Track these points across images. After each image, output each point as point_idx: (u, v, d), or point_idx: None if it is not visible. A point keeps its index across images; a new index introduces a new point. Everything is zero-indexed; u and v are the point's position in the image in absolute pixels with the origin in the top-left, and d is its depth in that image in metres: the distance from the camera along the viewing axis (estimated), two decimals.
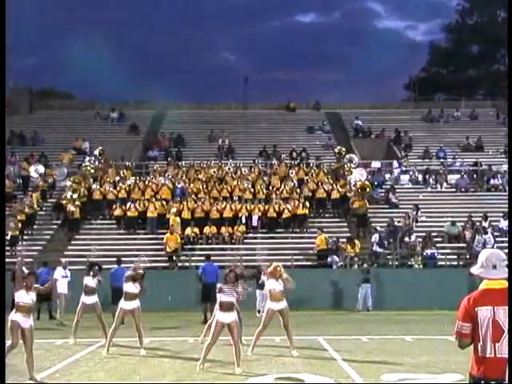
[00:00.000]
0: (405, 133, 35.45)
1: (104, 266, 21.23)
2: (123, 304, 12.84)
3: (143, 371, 10.79)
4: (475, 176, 31.08)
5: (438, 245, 25.22)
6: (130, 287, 12.85)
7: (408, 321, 18.89)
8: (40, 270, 19.12)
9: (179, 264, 24.68)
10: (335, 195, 27.89)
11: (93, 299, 14.22)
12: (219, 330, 10.77)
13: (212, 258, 24.80)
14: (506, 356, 4.62)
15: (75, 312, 14.36)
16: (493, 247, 23.15)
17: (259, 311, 19.35)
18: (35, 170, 29.82)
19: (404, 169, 31.71)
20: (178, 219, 25.56)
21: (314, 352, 12.69)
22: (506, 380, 4.60)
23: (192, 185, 28.72)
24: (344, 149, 32.41)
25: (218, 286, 11.21)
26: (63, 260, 20.21)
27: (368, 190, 27.38)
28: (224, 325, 10.72)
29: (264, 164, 31.62)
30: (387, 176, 31.32)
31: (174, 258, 24.73)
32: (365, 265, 22.84)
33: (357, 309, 21.76)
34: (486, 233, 24.78)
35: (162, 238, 26.05)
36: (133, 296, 12.83)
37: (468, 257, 24.10)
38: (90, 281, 14.36)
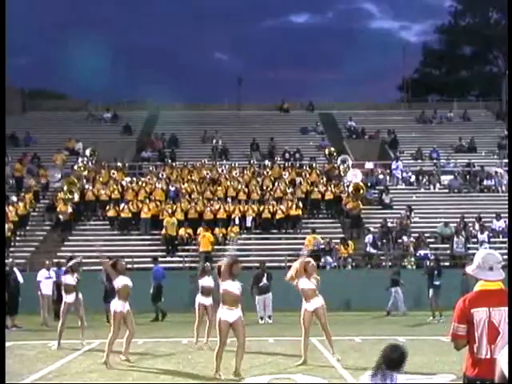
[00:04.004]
0: (394, 134, 35.58)
1: (97, 268, 21.41)
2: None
3: (136, 372, 10.77)
4: (468, 177, 31.17)
5: (430, 245, 25.29)
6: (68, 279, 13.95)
7: (401, 321, 18.90)
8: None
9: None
10: (329, 196, 27.92)
11: (72, 297, 13.98)
12: (227, 330, 9.77)
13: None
14: None
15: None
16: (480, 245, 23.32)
17: (262, 318, 19.02)
18: (52, 176, 29.94)
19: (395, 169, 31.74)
20: (172, 220, 25.52)
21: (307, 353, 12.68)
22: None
23: (186, 184, 28.71)
24: (333, 149, 32.48)
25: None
26: (47, 261, 20.23)
27: (362, 191, 27.42)
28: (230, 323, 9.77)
29: (258, 165, 31.63)
30: (384, 177, 31.33)
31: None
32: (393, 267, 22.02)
33: (387, 311, 20.79)
34: (483, 233, 24.97)
35: (156, 239, 26.09)
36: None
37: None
38: (69, 279, 14.19)
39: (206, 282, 13.69)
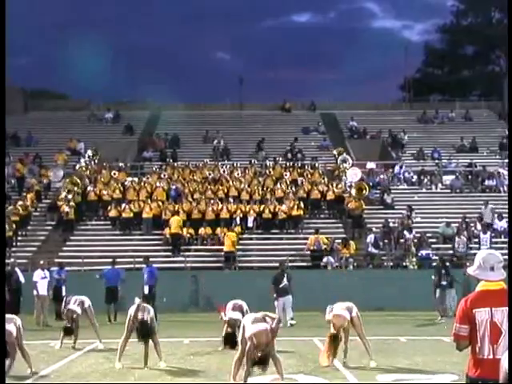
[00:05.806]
0: (397, 134, 35.55)
1: (99, 267, 21.51)
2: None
3: (138, 372, 10.77)
4: (470, 177, 31.13)
5: (432, 246, 25.26)
6: None
7: (402, 321, 18.89)
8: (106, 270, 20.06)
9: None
10: (330, 196, 27.90)
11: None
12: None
13: (207, 258, 24.99)
14: None
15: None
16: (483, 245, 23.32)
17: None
18: (55, 175, 29.85)
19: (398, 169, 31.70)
20: (178, 218, 25.51)
21: (309, 353, 12.69)
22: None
23: (189, 184, 28.71)
24: (343, 149, 32.44)
25: None
26: (41, 261, 20.20)
27: (365, 191, 27.38)
28: None
29: (259, 165, 31.63)
30: (386, 177, 31.25)
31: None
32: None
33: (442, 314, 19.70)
34: (486, 233, 24.96)
35: (158, 239, 26.11)
36: None
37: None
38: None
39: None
